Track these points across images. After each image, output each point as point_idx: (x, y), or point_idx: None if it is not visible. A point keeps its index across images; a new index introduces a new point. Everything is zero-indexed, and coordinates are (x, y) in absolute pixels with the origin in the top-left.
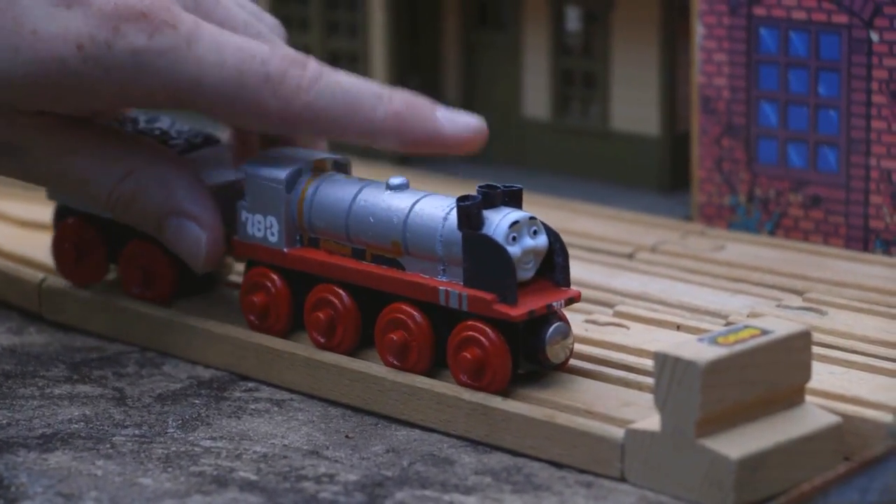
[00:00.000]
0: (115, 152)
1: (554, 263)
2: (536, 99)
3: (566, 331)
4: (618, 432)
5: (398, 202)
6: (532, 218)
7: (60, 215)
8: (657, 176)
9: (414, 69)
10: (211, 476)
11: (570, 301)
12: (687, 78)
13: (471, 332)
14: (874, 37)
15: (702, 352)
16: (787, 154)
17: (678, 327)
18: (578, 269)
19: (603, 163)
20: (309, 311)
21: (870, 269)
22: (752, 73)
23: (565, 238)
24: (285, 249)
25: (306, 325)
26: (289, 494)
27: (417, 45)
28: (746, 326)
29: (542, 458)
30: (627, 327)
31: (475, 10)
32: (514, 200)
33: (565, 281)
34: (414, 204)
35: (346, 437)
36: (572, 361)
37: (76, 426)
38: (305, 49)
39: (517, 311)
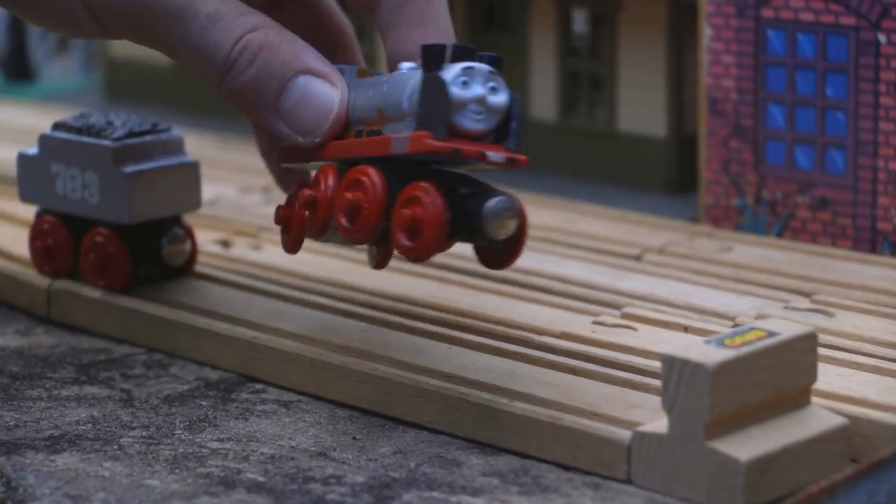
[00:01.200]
0: (241, 6)
1: (508, 129)
2: (543, 100)
3: (511, 207)
4: (624, 434)
5: (395, 75)
6: (493, 72)
7: (39, 214)
8: (664, 177)
9: None
10: (218, 477)
11: (512, 161)
12: (694, 79)
13: (414, 192)
14: (882, 38)
15: (710, 354)
16: (795, 156)
17: (686, 329)
18: (585, 271)
19: (610, 164)
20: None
21: (877, 271)
22: (759, 75)
23: (573, 239)
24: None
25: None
26: (296, 496)
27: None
28: (753, 328)
29: (549, 460)
30: (635, 329)
31: (482, 11)
32: (493, 65)
33: (517, 147)
34: (401, 70)
35: (354, 438)
36: (580, 363)
37: (84, 428)
38: None
39: (442, 144)
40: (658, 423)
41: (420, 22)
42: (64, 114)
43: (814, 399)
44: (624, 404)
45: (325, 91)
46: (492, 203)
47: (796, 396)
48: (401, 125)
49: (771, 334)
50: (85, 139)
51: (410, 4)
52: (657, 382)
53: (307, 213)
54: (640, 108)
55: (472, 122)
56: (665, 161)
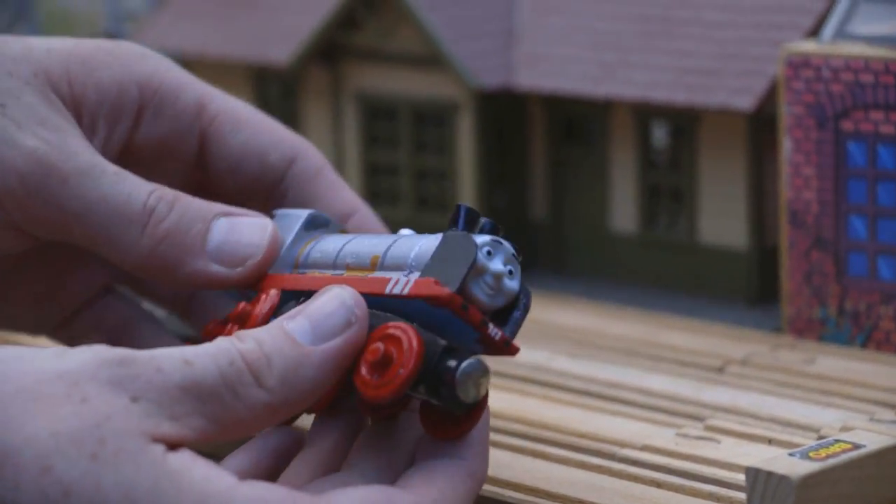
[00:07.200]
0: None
1: (510, 316)
2: (623, 213)
3: (484, 369)
4: None
5: (401, 235)
6: (516, 257)
7: None
8: (746, 289)
9: (501, 185)
10: None
11: (507, 345)
12: (775, 191)
13: (390, 329)
14: None
15: (794, 466)
16: (878, 267)
17: (769, 441)
18: (668, 383)
19: (691, 276)
20: None
21: None
22: (840, 187)
23: (655, 351)
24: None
25: None
26: None
27: (505, 162)
28: (838, 440)
29: None
30: (718, 441)
31: (562, 125)
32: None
33: (512, 335)
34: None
35: None
36: (663, 476)
37: None
38: (394, 167)
39: (449, 293)
40: None
41: (341, 185)
42: None
43: None
44: None
45: (251, 219)
46: (469, 362)
47: None
48: (397, 273)
49: (856, 446)
50: None
51: (322, 174)
52: (741, 495)
53: (236, 327)
54: (721, 219)
55: (482, 294)
56: (746, 273)
